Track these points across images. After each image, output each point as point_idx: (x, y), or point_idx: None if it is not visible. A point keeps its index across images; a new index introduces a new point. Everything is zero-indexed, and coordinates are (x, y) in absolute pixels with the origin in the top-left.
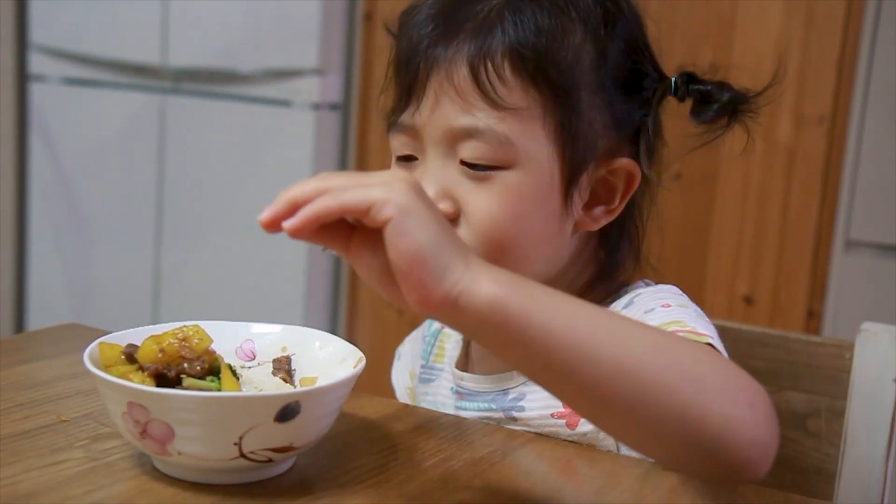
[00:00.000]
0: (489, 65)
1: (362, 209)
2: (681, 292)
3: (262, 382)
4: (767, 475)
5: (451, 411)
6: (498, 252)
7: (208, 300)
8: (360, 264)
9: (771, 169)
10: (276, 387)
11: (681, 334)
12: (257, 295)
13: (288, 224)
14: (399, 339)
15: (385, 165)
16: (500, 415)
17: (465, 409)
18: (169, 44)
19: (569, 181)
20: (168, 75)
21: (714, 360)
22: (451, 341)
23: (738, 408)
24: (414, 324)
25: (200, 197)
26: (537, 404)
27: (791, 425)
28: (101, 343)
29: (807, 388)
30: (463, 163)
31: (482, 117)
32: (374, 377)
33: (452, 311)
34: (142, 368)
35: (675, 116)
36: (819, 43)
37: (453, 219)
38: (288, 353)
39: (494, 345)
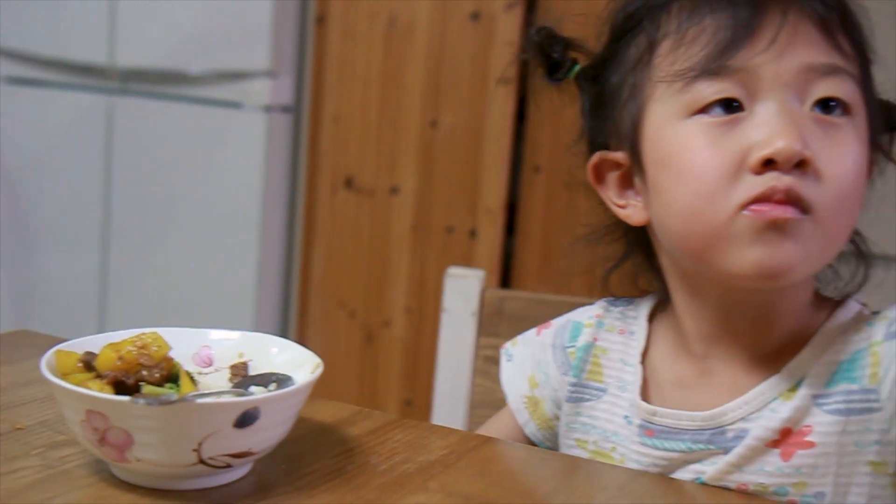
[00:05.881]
0: (834, 14)
1: None
2: None
3: (219, 389)
4: None
5: (627, 443)
6: (847, 209)
7: (157, 305)
8: None
9: None
10: (233, 393)
11: None
12: (207, 299)
13: None
14: (350, 342)
15: (336, 168)
16: (706, 453)
17: (658, 447)
18: (116, 43)
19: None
20: (115, 75)
21: None
22: (610, 359)
23: None
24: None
25: (149, 200)
26: (752, 440)
27: None
28: (57, 351)
29: None
30: (817, 105)
31: (839, 58)
32: (326, 381)
33: None
34: (100, 376)
35: None
36: None
37: (809, 167)
38: (245, 359)
39: None
